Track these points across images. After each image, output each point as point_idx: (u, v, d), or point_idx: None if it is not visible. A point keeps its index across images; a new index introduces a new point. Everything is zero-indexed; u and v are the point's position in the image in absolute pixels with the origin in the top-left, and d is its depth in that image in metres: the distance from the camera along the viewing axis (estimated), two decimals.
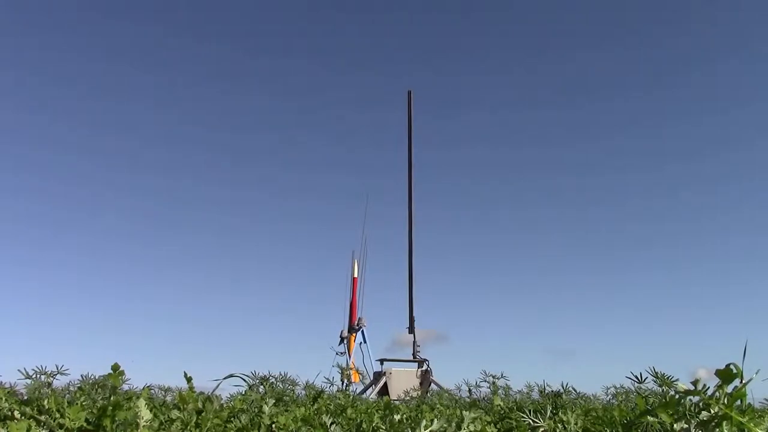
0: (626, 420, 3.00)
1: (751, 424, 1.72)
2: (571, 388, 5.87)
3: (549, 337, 35.19)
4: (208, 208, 44.54)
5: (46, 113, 44.71)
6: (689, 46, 45.95)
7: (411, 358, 15.74)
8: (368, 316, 19.04)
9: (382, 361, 15.63)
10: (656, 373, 3.87)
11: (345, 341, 18.31)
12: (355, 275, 19.49)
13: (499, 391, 6.52)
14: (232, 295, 40.97)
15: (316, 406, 4.33)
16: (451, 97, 48.44)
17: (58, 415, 2.76)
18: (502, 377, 6.69)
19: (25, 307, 35.76)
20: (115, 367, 3.01)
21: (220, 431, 3.07)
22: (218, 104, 49.47)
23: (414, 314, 16.47)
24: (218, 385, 3.84)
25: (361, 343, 18.50)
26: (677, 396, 1.90)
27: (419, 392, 9.86)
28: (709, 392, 1.80)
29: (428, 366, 15.28)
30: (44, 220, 41.75)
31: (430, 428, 2.81)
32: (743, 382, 1.72)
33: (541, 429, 3.05)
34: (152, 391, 6.05)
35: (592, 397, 6.43)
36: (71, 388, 5.45)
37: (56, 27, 45.16)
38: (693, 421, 2.00)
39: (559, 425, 3.01)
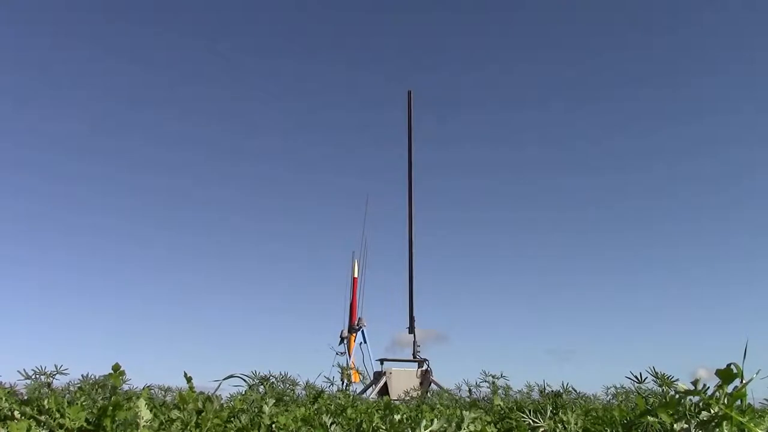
0: (626, 420, 3.00)
1: (751, 424, 1.72)
2: (571, 388, 5.87)
3: (549, 337, 35.24)
4: (208, 208, 44.63)
5: (46, 113, 44.71)
6: (689, 46, 45.94)
7: (411, 358, 15.74)
8: (368, 316, 19.05)
9: (382, 361, 15.64)
10: (656, 373, 3.87)
11: (345, 341, 18.30)
12: (356, 275, 19.50)
13: (499, 391, 6.52)
14: (233, 295, 41.02)
15: (316, 406, 4.33)
16: (451, 97, 48.51)
17: (58, 415, 2.76)
18: (502, 377, 6.69)
19: (25, 307, 35.80)
20: (115, 367, 3.01)
21: (220, 431, 3.07)
22: (218, 104, 49.53)
23: (414, 314, 16.49)
24: (219, 385, 3.84)
25: (361, 343, 18.50)
26: (677, 396, 1.90)
27: (419, 392, 9.87)
28: (709, 392, 1.80)
29: (428, 366, 15.28)
30: (44, 220, 41.78)
31: (430, 428, 2.81)
32: (743, 382, 1.72)
33: (541, 429, 3.05)
34: (152, 391, 6.05)
35: (592, 397, 6.43)
36: (71, 388, 5.45)
37: (56, 27, 45.18)
38: (693, 421, 2.00)
39: (559, 425, 3.01)
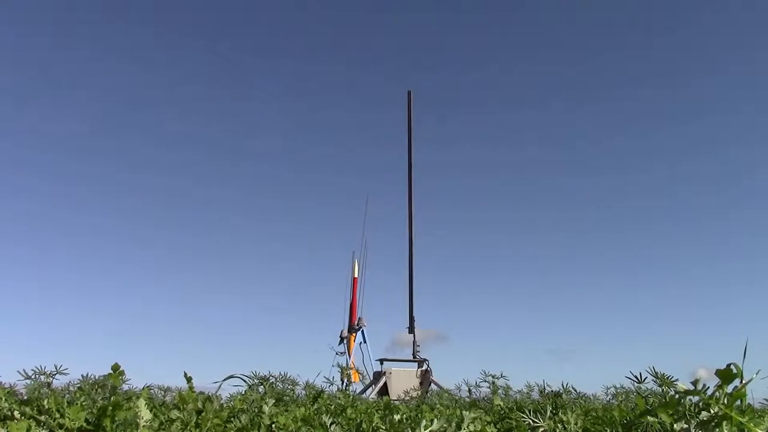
0: (626, 420, 3.00)
1: (751, 424, 1.72)
2: (571, 388, 5.87)
3: (549, 337, 35.25)
4: (208, 208, 44.62)
5: (46, 113, 44.73)
6: (689, 46, 45.95)
7: (411, 358, 15.74)
8: (368, 316, 19.05)
9: (382, 361, 15.64)
10: (656, 373, 3.86)
11: (345, 341, 18.30)
12: (356, 275, 19.49)
13: (499, 391, 6.52)
14: (233, 295, 41.02)
15: (316, 406, 4.33)
16: (451, 97, 48.51)
17: (58, 415, 2.76)
18: (501, 377, 6.69)
19: (25, 307, 35.81)
20: (115, 367, 3.01)
21: (220, 431, 3.07)
22: (218, 104, 49.54)
23: (414, 314, 16.49)
24: (220, 386, 3.84)
25: (361, 343, 18.50)
26: (677, 396, 1.90)
27: (419, 392, 9.87)
28: (709, 392, 1.80)
29: (428, 366, 15.28)
30: (44, 220, 41.80)
31: (430, 428, 2.81)
32: (743, 382, 1.72)
33: (541, 429, 3.05)
34: (152, 391, 6.05)
35: (592, 397, 6.43)
36: (71, 388, 5.45)
37: (56, 27, 45.19)
38: (693, 421, 2.00)
39: (559, 425, 3.01)
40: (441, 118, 45.41)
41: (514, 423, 3.63)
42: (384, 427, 3.08)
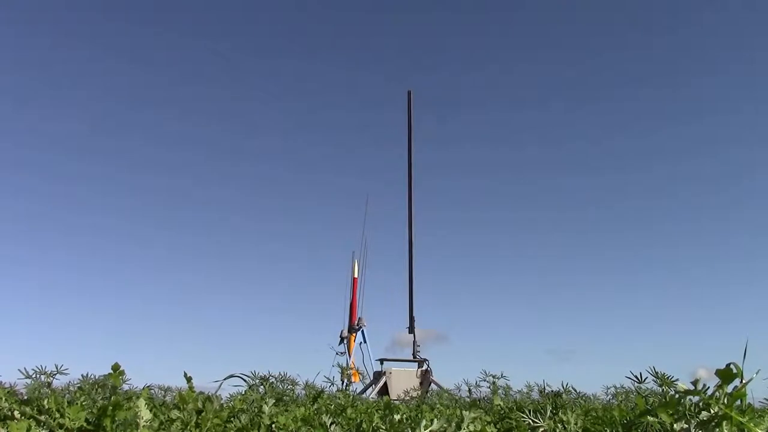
0: (626, 420, 3.00)
1: (751, 424, 1.72)
2: (571, 388, 5.87)
3: (549, 337, 35.24)
4: (208, 208, 44.60)
5: (46, 113, 44.74)
6: (689, 46, 45.98)
7: (411, 358, 15.75)
8: (368, 316, 19.05)
9: (382, 361, 15.65)
10: (656, 373, 3.86)
11: (345, 341, 18.30)
12: (356, 275, 19.49)
13: (499, 391, 6.52)
14: (233, 295, 41.00)
15: (316, 406, 4.33)
16: (451, 97, 48.49)
17: (58, 415, 2.76)
18: (501, 377, 6.69)
19: (25, 307, 35.81)
20: (115, 367, 3.01)
21: (220, 431, 3.07)
22: (218, 104, 49.55)
23: (414, 314, 16.50)
24: (220, 385, 3.85)
25: (361, 343, 18.50)
26: (677, 396, 1.90)
27: (419, 392, 9.87)
28: (709, 392, 1.80)
29: (428, 366, 15.29)
30: (44, 220, 41.80)
31: (430, 428, 2.81)
32: (743, 382, 1.72)
33: (541, 429, 3.05)
34: (152, 391, 6.05)
35: (592, 397, 6.43)
36: (71, 388, 5.45)
37: (56, 27, 45.20)
38: (693, 421, 2.00)
39: (559, 425, 3.01)
40: (441, 118, 45.40)
41: (514, 423, 3.63)
42: (384, 427, 3.08)
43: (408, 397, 8.60)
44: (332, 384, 6.58)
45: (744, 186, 41.56)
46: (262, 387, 5.30)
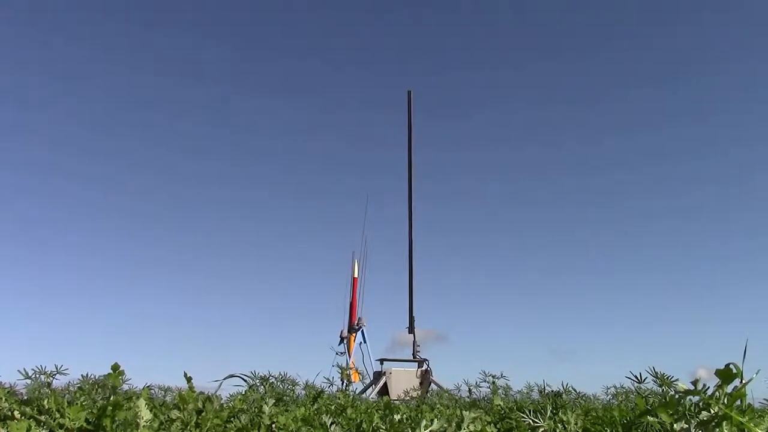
0: (626, 420, 3.00)
1: (751, 424, 1.71)
2: (571, 388, 5.87)
3: (549, 337, 35.25)
4: (208, 208, 44.63)
5: (46, 113, 44.71)
6: (689, 46, 45.96)
7: (411, 358, 15.74)
8: (368, 316, 19.07)
9: (382, 361, 15.65)
10: (656, 373, 3.86)
11: (345, 341, 18.31)
12: (356, 275, 19.50)
13: (499, 391, 6.51)
14: (233, 295, 41.05)
15: (316, 406, 4.33)
16: (451, 97, 48.50)
17: (58, 415, 2.76)
18: (501, 377, 6.69)
19: (25, 307, 35.80)
20: (115, 367, 3.01)
21: (220, 431, 3.07)
22: (219, 104, 49.54)
23: (414, 314, 16.49)
24: (220, 385, 3.85)
25: (361, 343, 18.52)
26: (677, 396, 1.90)
27: (419, 392, 9.87)
28: (709, 392, 1.80)
29: (428, 366, 15.28)
30: (44, 220, 41.77)
31: (430, 428, 2.81)
32: (743, 382, 1.72)
33: (541, 429, 3.05)
34: (152, 391, 6.05)
35: (592, 397, 6.43)
36: (71, 388, 5.45)
37: (56, 27, 45.17)
38: (693, 421, 2.00)
39: (559, 425, 3.01)
40: (441, 118, 45.40)
41: (514, 423, 3.63)
42: (384, 427, 3.08)
43: (408, 397, 8.60)
44: (332, 384, 6.58)
45: (744, 186, 41.57)
46: (262, 387, 5.30)
